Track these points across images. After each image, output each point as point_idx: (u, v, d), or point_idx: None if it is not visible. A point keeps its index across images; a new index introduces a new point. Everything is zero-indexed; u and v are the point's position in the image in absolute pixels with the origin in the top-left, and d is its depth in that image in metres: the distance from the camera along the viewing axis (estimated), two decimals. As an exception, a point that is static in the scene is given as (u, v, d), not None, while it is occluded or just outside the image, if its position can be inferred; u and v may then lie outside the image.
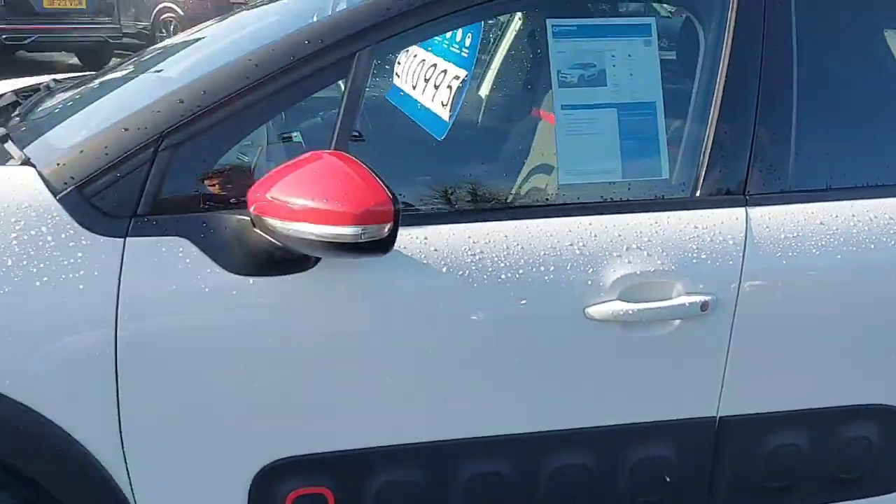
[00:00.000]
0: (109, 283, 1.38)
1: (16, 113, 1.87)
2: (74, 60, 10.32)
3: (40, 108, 1.90)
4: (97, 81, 2.05)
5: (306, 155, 1.42)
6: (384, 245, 1.36)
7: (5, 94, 2.12)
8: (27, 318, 1.36)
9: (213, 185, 1.47)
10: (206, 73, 1.52)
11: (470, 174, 1.77)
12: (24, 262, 1.36)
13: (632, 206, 1.60)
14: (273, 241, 1.39)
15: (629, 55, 1.63)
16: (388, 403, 1.53)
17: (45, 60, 10.26)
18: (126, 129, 1.44)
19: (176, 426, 1.45)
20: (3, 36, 8.98)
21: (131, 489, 1.44)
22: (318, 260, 1.43)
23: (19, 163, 1.49)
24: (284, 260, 1.42)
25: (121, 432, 1.42)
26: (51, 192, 1.40)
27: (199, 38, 2.14)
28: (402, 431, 1.54)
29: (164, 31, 10.89)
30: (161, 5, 10.84)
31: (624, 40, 1.63)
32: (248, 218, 1.41)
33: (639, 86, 1.63)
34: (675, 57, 1.88)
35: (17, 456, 1.39)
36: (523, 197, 1.79)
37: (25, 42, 9.21)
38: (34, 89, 2.20)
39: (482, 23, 1.82)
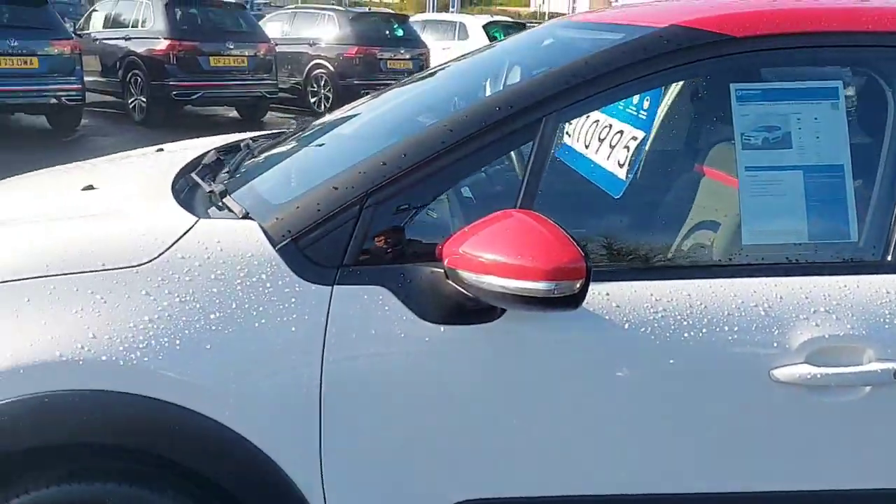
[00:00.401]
0: (317, 326, 1.51)
1: (226, 169, 2.08)
2: (234, 114, 11.15)
3: (247, 164, 2.11)
4: (292, 141, 2.24)
5: (497, 213, 1.51)
6: (575, 300, 1.42)
7: (208, 152, 2.35)
8: (246, 356, 1.51)
9: (410, 240, 1.59)
10: (405, 138, 1.65)
11: (646, 231, 1.80)
12: (246, 306, 1.51)
13: (819, 269, 1.59)
14: (465, 292, 1.48)
15: (815, 118, 1.63)
16: (567, 454, 1.57)
17: (208, 114, 11.14)
18: (335, 188, 1.58)
19: (370, 461, 1.55)
20: (174, 92, 9.84)
21: (326, 520, 1.55)
22: (503, 311, 1.51)
23: (240, 216, 1.66)
24: (473, 310, 1.51)
25: (321, 464, 1.53)
26: (270, 243, 1.55)
27: (379, 104, 2.31)
28: (580, 482, 1.57)
29: (315, 85, 11.58)
30: (313, 62, 11.54)
31: (810, 103, 1.64)
32: (441, 270, 1.51)
33: (825, 148, 1.63)
34: (859, 118, 1.86)
35: (231, 481, 1.53)
36: (701, 255, 1.80)
37: (193, 97, 10.04)
38: (233, 147, 2.43)
39: (662, 88, 1.87)
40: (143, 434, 1.50)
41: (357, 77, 11.11)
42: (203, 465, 1.52)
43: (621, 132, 1.86)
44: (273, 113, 11.15)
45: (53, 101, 8.97)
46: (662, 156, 2.55)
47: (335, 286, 1.53)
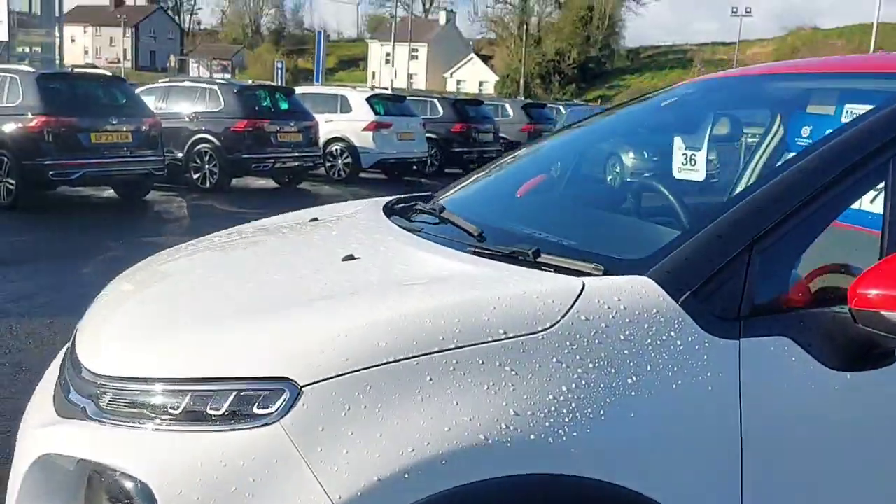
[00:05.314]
0: (732, 383, 1.41)
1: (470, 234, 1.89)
2: (110, 193, 10.33)
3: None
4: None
5: None
6: None
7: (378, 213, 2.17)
8: (668, 421, 1.38)
9: (799, 284, 1.54)
10: (775, 180, 1.59)
11: None
12: (661, 367, 1.39)
13: None
14: (878, 333, 1.44)
15: None
16: None
17: (84, 195, 10.24)
18: (720, 237, 1.51)
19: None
20: (51, 172, 8.90)
21: None
22: None
23: (598, 273, 1.53)
24: (877, 354, 1.47)
25: (743, 536, 1.42)
26: (672, 298, 1.45)
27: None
28: None
29: (198, 160, 11.00)
30: (196, 136, 10.99)
31: None
32: (844, 313, 1.47)
33: None
34: None
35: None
36: None
37: (73, 178, 9.13)
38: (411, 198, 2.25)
39: None
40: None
41: (246, 150, 10.73)
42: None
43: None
44: (154, 192, 10.41)
45: None
46: None
47: (741, 339, 1.45)
